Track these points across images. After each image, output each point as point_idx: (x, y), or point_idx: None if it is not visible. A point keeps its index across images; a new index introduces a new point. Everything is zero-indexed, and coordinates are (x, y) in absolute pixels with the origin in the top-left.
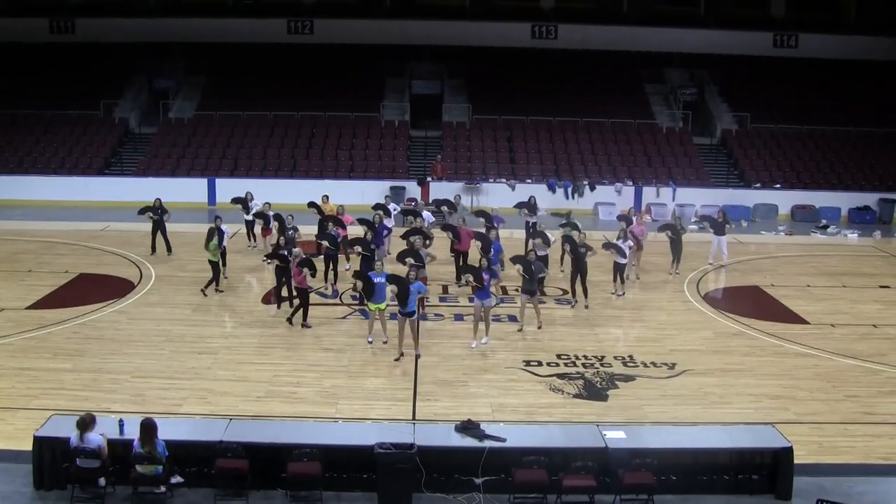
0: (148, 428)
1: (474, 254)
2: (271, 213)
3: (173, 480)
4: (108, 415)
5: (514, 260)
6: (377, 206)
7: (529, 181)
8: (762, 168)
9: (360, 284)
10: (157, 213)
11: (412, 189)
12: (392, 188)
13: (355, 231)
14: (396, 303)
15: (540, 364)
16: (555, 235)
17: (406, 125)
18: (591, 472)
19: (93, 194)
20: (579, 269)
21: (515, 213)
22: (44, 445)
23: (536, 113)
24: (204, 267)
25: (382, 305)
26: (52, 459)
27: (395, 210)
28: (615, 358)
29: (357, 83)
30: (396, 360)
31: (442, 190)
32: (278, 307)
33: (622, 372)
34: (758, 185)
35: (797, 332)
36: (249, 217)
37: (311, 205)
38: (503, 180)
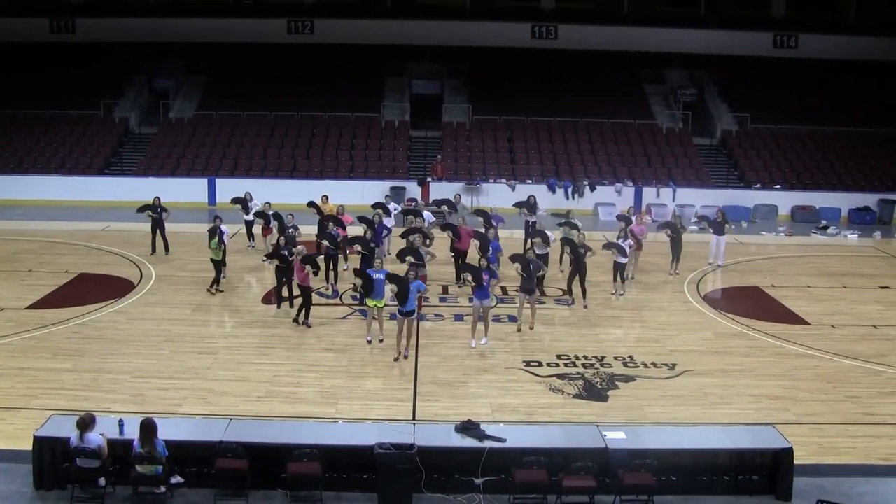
0: (148, 428)
1: (473, 253)
2: (271, 213)
3: (173, 480)
4: (108, 415)
5: (513, 258)
6: (376, 205)
7: (529, 181)
8: (762, 168)
9: (360, 283)
10: (156, 212)
11: (412, 189)
12: (392, 188)
13: (355, 231)
14: (396, 302)
15: (540, 364)
16: (555, 235)
17: (406, 125)
18: (591, 472)
19: (93, 194)
20: (579, 269)
21: (515, 212)
22: (44, 445)
23: (536, 113)
24: (204, 267)
25: (381, 303)
26: (52, 459)
27: (395, 210)
28: (615, 358)
29: (357, 83)
30: (395, 360)
31: (442, 190)
32: (278, 307)
33: (622, 372)
34: (758, 185)
35: (797, 333)
36: (249, 217)
37: (311, 204)
38: (503, 181)
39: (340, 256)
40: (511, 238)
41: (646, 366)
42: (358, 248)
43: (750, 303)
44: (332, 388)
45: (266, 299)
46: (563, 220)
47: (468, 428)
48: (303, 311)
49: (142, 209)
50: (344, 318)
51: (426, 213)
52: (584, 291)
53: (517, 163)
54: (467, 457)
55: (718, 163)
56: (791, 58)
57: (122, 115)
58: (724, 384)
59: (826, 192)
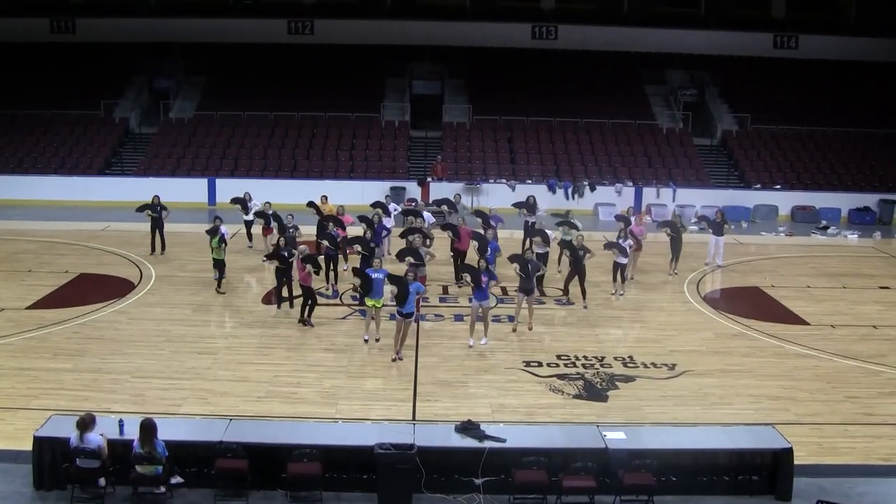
0: (148, 428)
1: (473, 253)
2: (271, 213)
3: (173, 481)
4: (108, 415)
5: (512, 259)
6: (376, 205)
7: (530, 182)
8: (762, 169)
9: (360, 283)
10: (155, 211)
11: (412, 189)
12: (392, 188)
13: (355, 231)
14: (395, 303)
15: (540, 365)
16: (555, 234)
17: (406, 125)
18: (590, 472)
19: (93, 194)
20: (578, 271)
21: (515, 212)
22: (44, 445)
23: (537, 113)
24: (204, 267)
25: (380, 303)
26: (52, 459)
27: (395, 211)
28: (615, 359)
29: (357, 83)
30: (393, 360)
31: (442, 190)
32: (278, 307)
33: (622, 372)
34: (758, 185)
35: (797, 333)
36: (249, 217)
37: (310, 205)
38: (503, 181)
39: (340, 256)
40: (511, 238)
41: (646, 366)
42: (358, 248)
43: (750, 303)
44: (332, 389)
45: (266, 299)
46: (563, 220)
47: (468, 428)
48: (306, 311)
49: (141, 209)
50: (344, 318)
51: (426, 214)
52: (583, 292)
53: (517, 163)
54: (467, 457)
55: (719, 163)
56: (791, 58)
57: (122, 115)
58: (723, 384)
59: (826, 192)
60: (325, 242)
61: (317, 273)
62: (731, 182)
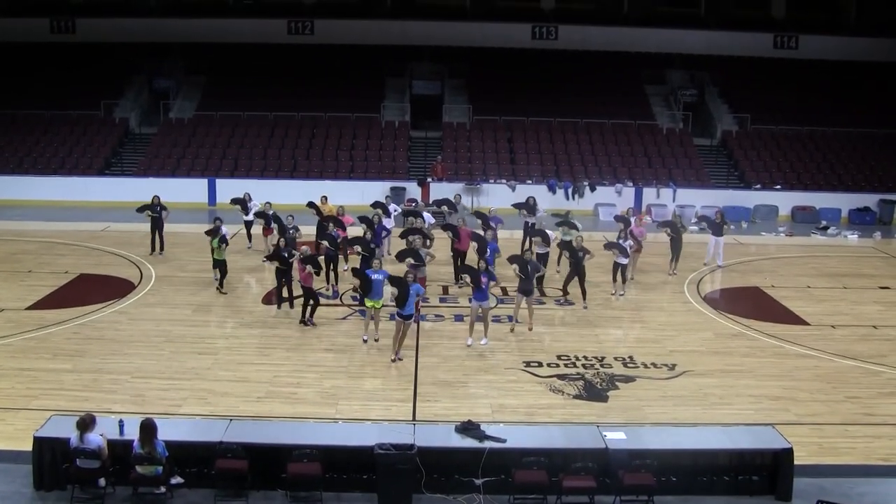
0: (148, 428)
1: (472, 254)
2: (271, 213)
3: (173, 481)
4: (108, 415)
5: (511, 260)
6: (376, 205)
7: (530, 182)
8: (762, 169)
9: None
10: (155, 211)
11: (412, 190)
12: (392, 189)
13: (355, 232)
14: (394, 304)
15: (540, 365)
16: (555, 234)
17: (406, 126)
18: (591, 473)
19: (93, 194)
20: (577, 271)
21: (515, 213)
22: (44, 446)
23: (537, 114)
24: (205, 267)
25: (379, 304)
26: (52, 460)
27: (395, 211)
28: (615, 359)
29: (357, 83)
30: (393, 361)
31: (442, 191)
32: (278, 307)
33: (622, 373)
34: (758, 186)
35: (797, 334)
36: (248, 218)
37: (310, 205)
38: (503, 181)
39: (340, 257)
40: (511, 238)
41: (646, 366)
42: (358, 248)
43: (750, 303)
44: (332, 389)
45: (266, 300)
46: (562, 221)
47: (468, 428)
48: (307, 312)
49: (141, 209)
50: (344, 318)
51: (426, 215)
52: (583, 293)
53: (517, 163)
54: (467, 457)
55: (719, 163)
56: (791, 58)
57: (122, 115)
58: (724, 384)
59: (826, 192)
60: (325, 243)
61: (317, 274)
62: (731, 182)
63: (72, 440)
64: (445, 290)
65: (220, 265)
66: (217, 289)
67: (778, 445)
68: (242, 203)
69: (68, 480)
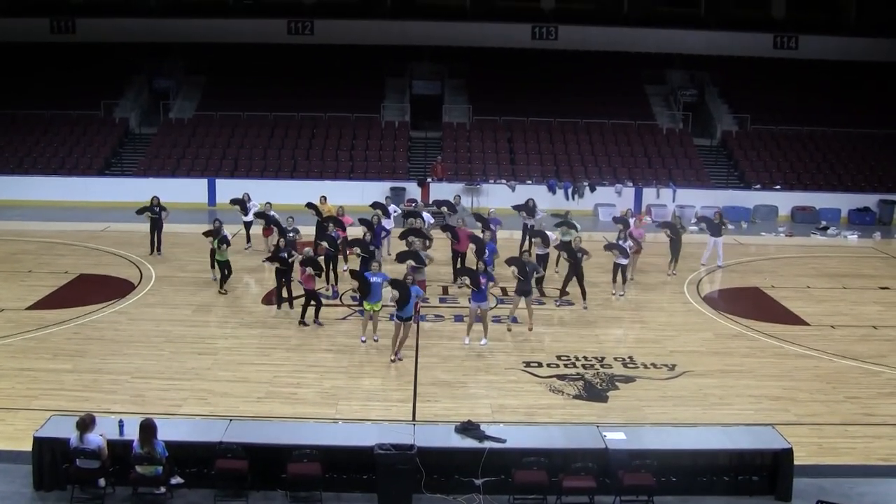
0: (147, 429)
1: (471, 254)
2: (272, 214)
3: (173, 481)
4: (108, 415)
5: (509, 262)
6: (375, 205)
7: (530, 182)
8: (762, 169)
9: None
10: (154, 212)
11: (412, 190)
12: (392, 189)
13: (355, 232)
14: (393, 304)
15: (540, 365)
16: (555, 235)
17: (406, 126)
18: (590, 473)
19: (93, 195)
20: (576, 272)
21: (514, 214)
22: (44, 446)
23: (537, 114)
24: (204, 268)
25: (378, 306)
26: (51, 460)
27: (394, 212)
28: (615, 359)
29: (357, 84)
30: (392, 361)
31: (442, 191)
32: (278, 307)
33: (622, 373)
34: (758, 186)
35: (797, 334)
36: (248, 218)
37: (310, 206)
38: (503, 181)
39: (340, 257)
40: (510, 238)
41: (645, 366)
42: (357, 250)
43: (750, 303)
44: (332, 389)
45: (266, 300)
46: (562, 221)
47: (468, 429)
48: (307, 313)
49: (140, 211)
50: (344, 318)
51: (425, 215)
52: (583, 293)
53: (517, 163)
54: (467, 457)
55: (718, 163)
56: (791, 59)
57: (122, 115)
58: (723, 385)
59: (826, 192)
60: (325, 243)
61: (318, 275)
62: (731, 182)
63: (72, 440)
64: (445, 290)
65: (224, 265)
66: (219, 290)
67: (778, 445)
68: (241, 204)
69: (68, 480)
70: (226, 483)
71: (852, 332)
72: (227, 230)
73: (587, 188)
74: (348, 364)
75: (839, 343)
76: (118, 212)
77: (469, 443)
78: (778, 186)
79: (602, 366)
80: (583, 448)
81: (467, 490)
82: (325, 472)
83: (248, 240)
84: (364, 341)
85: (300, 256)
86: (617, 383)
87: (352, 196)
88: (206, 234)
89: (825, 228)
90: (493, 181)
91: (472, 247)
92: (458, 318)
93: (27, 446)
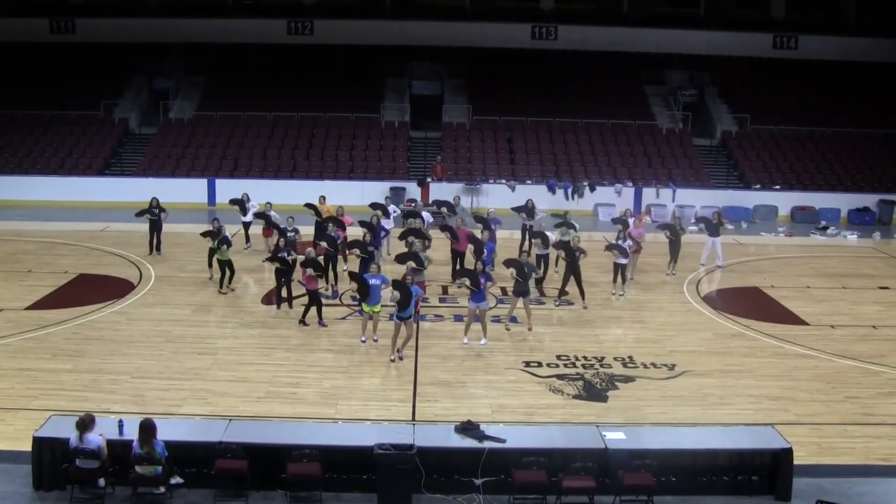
0: (147, 428)
1: (469, 255)
2: (272, 214)
3: (173, 481)
4: (107, 415)
5: (508, 263)
6: (375, 206)
7: (529, 182)
8: (762, 169)
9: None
10: (154, 214)
11: (412, 190)
12: (392, 189)
13: (355, 232)
14: (393, 304)
15: (539, 365)
16: (554, 235)
17: (406, 126)
18: (590, 473)
19: (92, 195)
20: (573, 271)
21: (514, 214)
22: (43, 446)
23: (536, 114)
24: (204, 268)
25: (377, 308)
26: (51, 460)
27: (394, 212)
28: (615, 359)
29: (357, 84)
30: (392, 361)
31: (442, 191)
32: (278, 307)
33: (622, 373)
34: (757, 186)
35: (797, 334)
36: (247, 219)
37: (309, 206)
38: (503, 181)
39: (339, 257)
40: (511, 239)
41: (645, 366)
42: (357, 251)
43: (749, 303)
44: (332, 389)
45: (266, 300)
46: (561, 222)
47: (468, 428)
48: (309, 313)
49: (140, 213)
50: (343, 318)
51: (425, 214)
52: (581, 293)
53: (517, 163)
54: (467, 457)
55: (718, 163)
56: (791, 59)
57: (121, 115)
58: (723, 385)
59: (826, 192)
60: (324, 244)
61: (320, 276)
62: (731, 182)
63: (71, 440)
64: (445, 290)
65: (226, 265)
66: (226, 289)
67: (777, 445)
68: (241, 204)
69: (68, 480)
70: (225, 483)
71: (852, 332)
72: (227, 230)
73: (587, 188)
74: (348, 364)
75: (839, 343)
76: (118, 212)
77: (469, 443)
78: (777, 186)
79: (602, 365)
80: (582, 448)
81: (467, 490)
82: (324, 472)
83: (248, 240)
84: (364, 341)
85: (301, 257)
86: (617, 383)
87: (352, 196)
88: (205, 234)
89: (825, 228)
90: (492, 181)
91: (470, 247)
92: (458, 318)
93: (27, 446)
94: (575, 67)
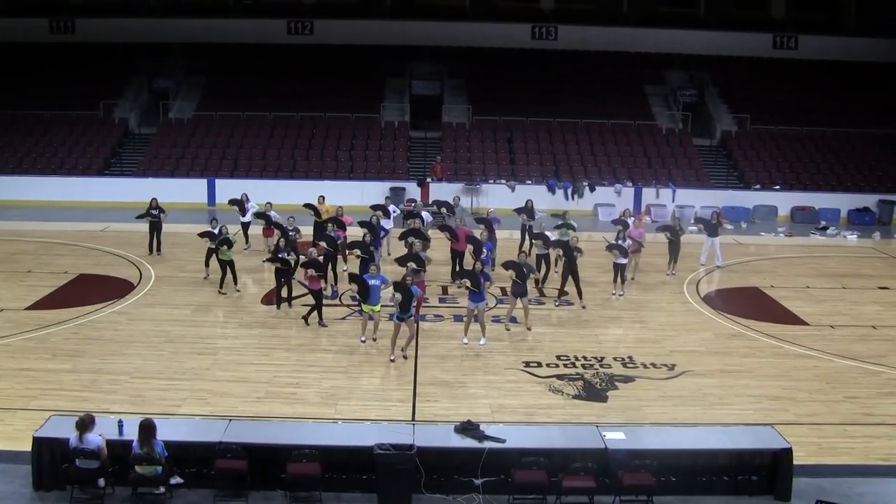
0: (146, 429)
1: (469, 255)
2: (272, 214)
3: (172, 481)
4: (107, 415)
5: (506, 266)
6: (376, 207)
7: (529, 182)
8: (762, 169)
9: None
10: (154, 215)
11: (412, 190)
12: (392, 189)
13: (354, 232)
14: (393, 304)
15: (539, 365)
16: (554, 235)
17: (406, 126)
18: (590, 473)
19: (92, 195)
20: (571, 270)
21: (514, 214)
22: (43, 446)
23: (536, 114)
24: (203, 268)
25: (377, 308)
26: (51, 460)
27: (394, 213)
28: (615, 359)
29: (357, 84)
30: (392, 360)
31: (442, 191)
32: (278, 307)
33: (621, 373)
34: (757, 186)
35: (797, 334)
36: (246, 219)
37: (308, 206)
38: (503, 181)
39: (339, 257)
40: (511, 239)
41: (645, 366)
42: (358, 252)
43: (749, 303)
44: (332, 389)
45: (266, 300)
46: (561, 223)
47: (468, 428)
48: (314, 313)
49: (141, 216)
50: (343, 318)
51: (424, 214)
52: (579, 292)
53: (517, 163)
54: (467, 457)
55: (718, 164)
56: (791, 59)
57: (121, 115)
58: (723, 385)
59: (825, 192)
60: (323, 244)
61: (321, 276)
62: (731, 182)
63: (71, 440)
64: (445, 290)
65: (228, 264)
66: (227, 289)
67: (777, 445)
68: (240, 204)
69: (67, 481)
70: (225, 483)
71: (852, 332)
72: (229, 230)
73: (587, 188)
74: (348, 364)
75: (838, 343)
76: (117, 212)
77: (468, 443)
78: (777, 186)
79: (601, 366)
80: (582, 448)
81: (467, 490)
82: (324, 472)
83: (247, 240)
84: (364, 341)
85: (303, 258)
86: (616, 383)
87: (351, 196)
88: (202, 234)
89: (824, 228)
90: (492, 181)
91: (470, 247)
92: (458, 318)
93: (26, 446)
94: (575, 67)
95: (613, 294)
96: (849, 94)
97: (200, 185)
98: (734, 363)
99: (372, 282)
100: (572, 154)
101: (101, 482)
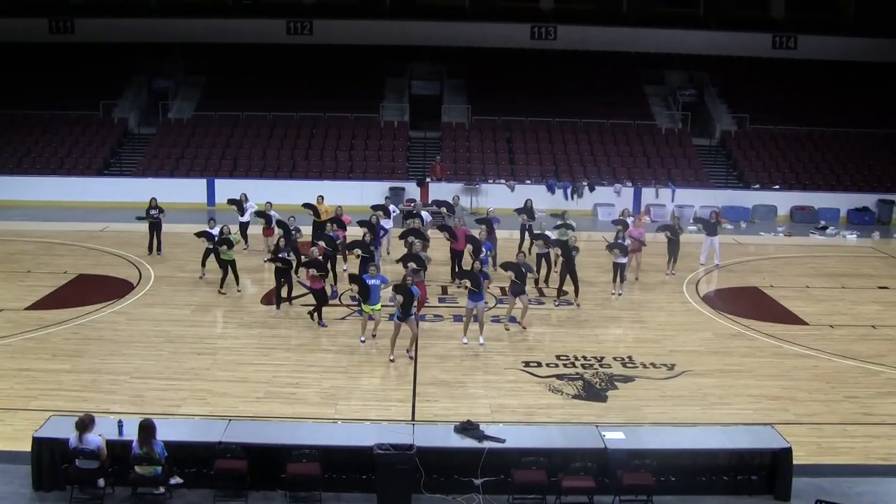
0: (146, 429)
1: (468, 254)
2: (273, 214)
3: (172, 481)
4: (107, 416)
5: (505, 267)
6: (376, 207)
7: (529, 182)
8: (761, 169)
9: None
10: (154, 216)
11: (411, 190)
12: (391, 189)
13: (354, 232)
14: (394, 304)
15: (539, 365)
16: (553, 235)
17: (405, 126)
18: (590, 472)
19: (92, 195)
20: (569, 269)
21: (514, 214)
22: (43, 446)
23: (536, 114)
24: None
25: (377, 307)
26: (50, 460)
27: (394, 212)
28: (614, 359)
29: (356, 84)
30: (391, 360)
31: (441, 191)
32: (277, 307)
33: (621, 373)
34: (757, 186)
35: (796, 333)
36: (245, 219)
37: (307, 206)
38: (502, 181)
39: (339, 257)
40: (510, 239)
41: (645, 366)
42: (358, 251)
43: (749, 303)
44: (332, 389)
45: (265, 300)
46: (560, 223)
47: (467, 428)
48: (316, 314)
49: (141, 218)
50: (343, 318)
51: (423, 213)
52: (576, 290)
53: (516, 163)
54: (466, 457)
55: (717, 163)
56: (790, 59)
57: (121, 115)
58: (723, 384)
59: (825, 192)
60: (322, 243)
61: (323, 276)
62: (730, 182)
63: (71, 440)
64: (444, 290)
65: (229, 264)
66: (228, 289)
67: (777, 445)
68: (239, 204)
69: (67, 481)
70: (225, 483)
71: (851, 332)
72: (229, 230)
73: (586, 188)
74: (348, 364)
75: (838, 343)
76: (117, 212)
77: (468, 443)
78: (777, 186)
79: (601, 365)
80: (582, 448)
81: (467, 490)
82: (324, 472)
83: (246, 240)
84: (363, 341)
85: (304, 258)
86: (616, 383)
87: (351, 196)
88: (199, 234)
89: (824, 228)
90: (492, 181)
91: (469, 247)
92: (457, 318)
93: (26, 446)
94: (574, 67)
95: (613, 294)
96: (848, 94)
97: (200, 185)
98: (734, 363)
99: (372, 282)
100: (572, 154)
101: (101, 482)
